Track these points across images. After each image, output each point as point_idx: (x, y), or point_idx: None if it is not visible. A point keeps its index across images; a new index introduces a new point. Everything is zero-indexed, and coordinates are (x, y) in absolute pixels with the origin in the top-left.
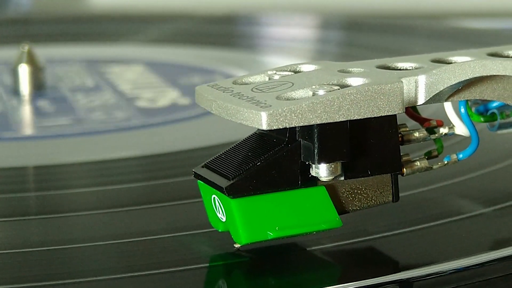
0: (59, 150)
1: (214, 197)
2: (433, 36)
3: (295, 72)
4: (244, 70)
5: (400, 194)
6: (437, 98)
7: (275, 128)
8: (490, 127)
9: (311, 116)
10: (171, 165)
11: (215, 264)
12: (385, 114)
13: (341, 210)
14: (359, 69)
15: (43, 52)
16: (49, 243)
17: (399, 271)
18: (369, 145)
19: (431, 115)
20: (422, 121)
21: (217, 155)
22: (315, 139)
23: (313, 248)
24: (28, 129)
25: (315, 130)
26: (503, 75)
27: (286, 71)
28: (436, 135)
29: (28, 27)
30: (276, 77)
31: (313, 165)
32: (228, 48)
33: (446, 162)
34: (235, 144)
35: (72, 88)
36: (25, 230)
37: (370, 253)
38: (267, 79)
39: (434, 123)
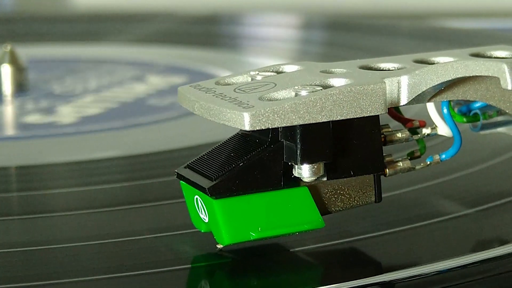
0: (41, 150)
1: (196, 198)
2: (416, 36)
3: (278, 72)
4: (227, 70)
5: (383, 195)
6: (419, 99)
7: (257, 128)
8: (472, 127)
9: (294, 117)
10: (153, 166)
11: (197, 265)
12: (368, 115)
13: (324, 210)
14: (341, 69)
15: (25, 52)
16: (31, 244)
17: (382, 273)
18: (351, 145)
19: (413, 115)
20: (404, 121)
21: (199, 156)
22: (298, 139)
23: (296, 249)
24: (10, 129)
25: (298, 131)
26: (486, 76)
27: (268, 71)
28: (419, 135)
29: (10, 27)
30: (259, 77)
31: (296, 166)
32: (211, 48)
33: (428, 162)
34: (217, 145)
35: (55, 88)
36: (7, 230)
37: (353, 254)
38: (249, 79)
39: (417, 123)
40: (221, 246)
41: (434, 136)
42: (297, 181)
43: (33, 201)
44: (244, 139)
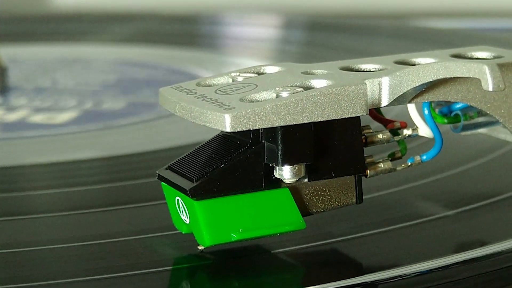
0: (21, 151)
1: (178, 199)
2: (397, 36)
3: (259, 74)
4: (207, 70)
5: (364, 196)
6: (400, 100)
7: (238, 130)
8: (453, 128)
9: (275, 118)
10: (134, 167)
11: (179, 267)
12: (349, 116)
13: (305, 212)
14: (322, 70)
15: (6, 52)
16: (9, 246)
17: (363, 274)
18: (332, 146)
19: (394, 116)
20: (385, 122)
21: (180, 157)
22: (279, 141)
23: (277, 250)
24: None
25: (279, 132)
26: (467, 77)
27: (249, 73)
28: (400, 136)
29: None
30: (240, 79)
31: (277, 167)
32: (191, 48)
33: (409, 163)
34: (198, 146)
35: (35, 89)
36: None
37: (334, 256)
38: (230, 81)
39: (398, 124)
40: (203, 247)
41: (415, 137)
42: (278, 182)
43: (12, 203)
44: (225, 140)
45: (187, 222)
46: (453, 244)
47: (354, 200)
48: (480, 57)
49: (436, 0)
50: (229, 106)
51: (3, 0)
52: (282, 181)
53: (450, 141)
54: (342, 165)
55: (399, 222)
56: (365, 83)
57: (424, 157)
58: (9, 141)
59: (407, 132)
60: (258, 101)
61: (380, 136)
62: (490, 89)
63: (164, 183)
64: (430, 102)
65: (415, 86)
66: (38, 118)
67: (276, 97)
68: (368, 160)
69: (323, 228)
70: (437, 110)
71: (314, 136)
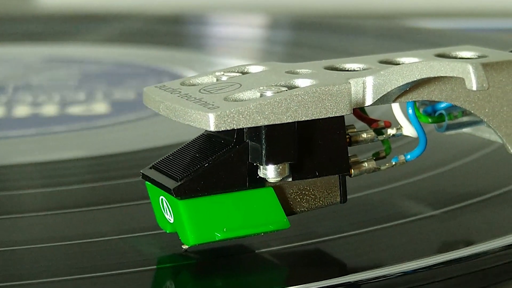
0: (5, 151)
1: (162, 198)
2: (382, 36)
3: (243, 73)
4: (193, 70)
5: (348, 196)
6: (385, 99)
7: (222, 129)
8: (438, 128)
9: (259, 117)
10: (119, 166)
11: (163, 266)
12: (333, 115)
13: (289, 211)
14: (306, 70)
15: None
16: None
17: (347, 274)
18: (316, 146)
19: (379, 116)
20: (370, 122)
21: (165, 156)
22: (263, 140)
23: (261, 250)
24: None
25: (263, 131)
26: (451, 76)
27: (234, 72)
28: (384, 136)
29: None
30: (224, 78)
31: (261, 166)
32: (177, 48)
33: (394, 163)
34: (183, 145)
35: (20, 89)
36: None
37: (318, 255)
38: (215, 80)
39: (382, 124)
40: (187, 246)
41: (399, 136)
42: (262, 182)
43: None
44: (209, 139)
45: (171, 221)
46: (437, 244)
47: (338, 199)
48: (465, 56)
49: (422, 0)
50: (213, 105)
51: None
52: (266, 181)
53: (434, 141)
54: (326, 165)
55: (383, 222)
56: (349, 83)
57: (409, 157)
58: None
59: (391, 131)
60: (242, 100)
61: (364, 135)
62: (474, 88)
63: (148, 183)
64: (414, 102)
65: (399, 85)
66: (22, 118)
67: (260, 97)
68: (352, 159)
69: (307, 228)
70: (421, 110)
71: (298, 136)
